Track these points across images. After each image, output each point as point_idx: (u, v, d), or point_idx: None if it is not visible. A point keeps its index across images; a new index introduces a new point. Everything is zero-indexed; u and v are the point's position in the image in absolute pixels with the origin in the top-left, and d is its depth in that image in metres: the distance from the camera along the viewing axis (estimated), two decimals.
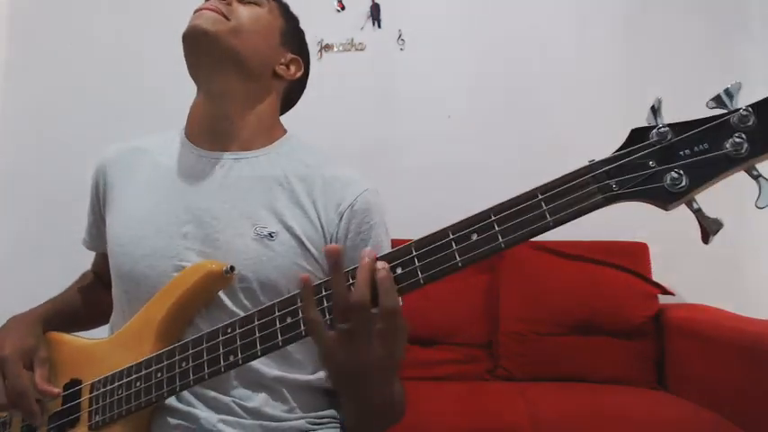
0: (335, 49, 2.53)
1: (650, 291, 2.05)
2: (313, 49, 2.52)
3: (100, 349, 0.86)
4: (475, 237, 0.59)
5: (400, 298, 0.64)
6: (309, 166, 0.89)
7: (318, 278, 0.79)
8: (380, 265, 0.62)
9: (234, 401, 0.80)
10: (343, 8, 2.54)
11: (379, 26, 2.54)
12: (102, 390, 0.80)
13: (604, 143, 2.29)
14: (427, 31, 2.53)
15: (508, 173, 2.43)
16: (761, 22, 2.42)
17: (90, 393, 0.82)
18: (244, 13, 0.89)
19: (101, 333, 0.92)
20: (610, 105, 2.46)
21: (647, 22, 2.47)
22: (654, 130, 0.54)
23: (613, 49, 2.49)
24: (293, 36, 0.98)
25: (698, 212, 0.53)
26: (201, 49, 0.87)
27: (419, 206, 2.11)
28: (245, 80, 0.89)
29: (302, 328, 0.66)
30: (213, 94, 0.89)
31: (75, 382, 0.84)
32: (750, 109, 0.52)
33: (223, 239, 0.83)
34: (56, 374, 0.86)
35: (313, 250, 0.84)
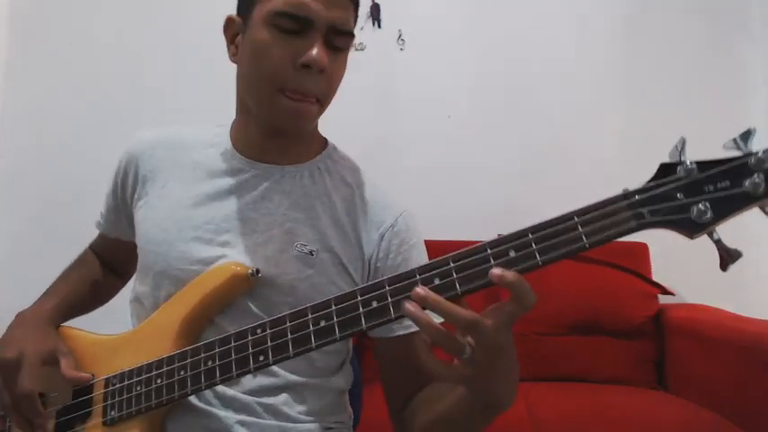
0: None
1: (650, 291, 2.05)
2: None
3: (115, 345, 0.85)
4: (512, 254, 0.62)
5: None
6: (350, 185, 0.89)
7: None
8: (421, 291, 0.62)
9: (254, 401, 0.80)
10: None
11: (379, 26, 2.54)
12: (119, 385, 0.79)
13: (604, 143, 2.31)
14: (427, 31, 2.53)
15: (508, 173, 2.44)
16: (761, 22, 2.42)
17: (105, 388, 0.81)
18: (336, 78, 0.83)
19: (105, 327, 0.91)
20: (610, 105, 2.47)
21: (647, 22, 2.47)
22: (681, 166, 0.59)
23: (613, 49, 2.49)
24: None
25: (718, 242, 0.59)
26: (295, 134, 0.86)
27: (419, 206, 2.10)
28: None
29: (337, 333, 0.66)
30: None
31: None
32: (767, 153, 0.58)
33: (262, 253, 0.82)
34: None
35: (351, 270, 0.84)
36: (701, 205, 0.57)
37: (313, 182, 0.87)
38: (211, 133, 0.94)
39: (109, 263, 1.05)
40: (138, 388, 0.77)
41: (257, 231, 0.83)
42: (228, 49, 0.86)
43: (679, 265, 2.21)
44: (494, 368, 0.64)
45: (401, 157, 2.47)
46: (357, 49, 2.54)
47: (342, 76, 0.84)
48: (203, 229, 0.84)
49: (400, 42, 2.53)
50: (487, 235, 2.53)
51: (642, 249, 2.18)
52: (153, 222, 0.87)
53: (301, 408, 0.83)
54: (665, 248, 2.17)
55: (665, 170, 0.60)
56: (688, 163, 0.59)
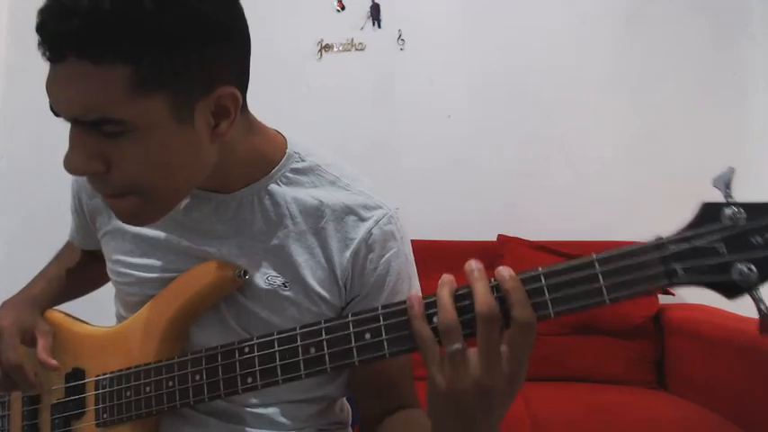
0: (335, 49, 2.53)
1: None
2: (313, 49, 2.55)
3: (104, 340, 0.84)
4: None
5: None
6: (319, 199, 0.78)
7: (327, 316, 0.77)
8: (506, 273, 0.56)
9: (246, 411, 0.79)
10: (343, 8, 2.54)
11: (379, 26, 2.54)
12: (109, 389, 0.79)
13: (605, 143, 2.30)
14: (427, 31, 2.53)
15: (508, 173, 2.44)
16: (762, 22, 2.41)
17: (95, 390, 0.81)
18: (130, 165, 0.63)
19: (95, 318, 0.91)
20: (610, 105, 2.47)
21: (648, 22, 2.47)
22: (727, 210, 0.51)
23: (613, 49, 2.49)
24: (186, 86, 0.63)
25: (759, 302, 0.52)
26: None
27: (419, 206, 2.11)
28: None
29: (328, 365, 0.63)
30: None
31: (79, 372, 0.83)
32: None
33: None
34: (59, 360, 0.84)
35: (325, 294, 0.77)
36: (743, 266, 0.50)
37: (272, 203, 0.77)
38: None
39: (93, 252, 1.01)
40: (128, 394, 0.77)
41: None
42: None
43: None
44: (469, 408, 0.56)
45: (401, 157, 2.47)
46: (357, 49, 2.54)
47: (148, 158, 0.63)
48: (169, 268, 0.80)
49: (400, 42, 2.53)
50: (487, 235, 2.55)
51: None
52: (116, 261, 0.84)
53: (295, 416, 0.82)
54: None
55: (708, 213, 0.52)
56: (734, 206, 0.50)
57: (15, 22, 2.62)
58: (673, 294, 2.11)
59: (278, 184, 0.78)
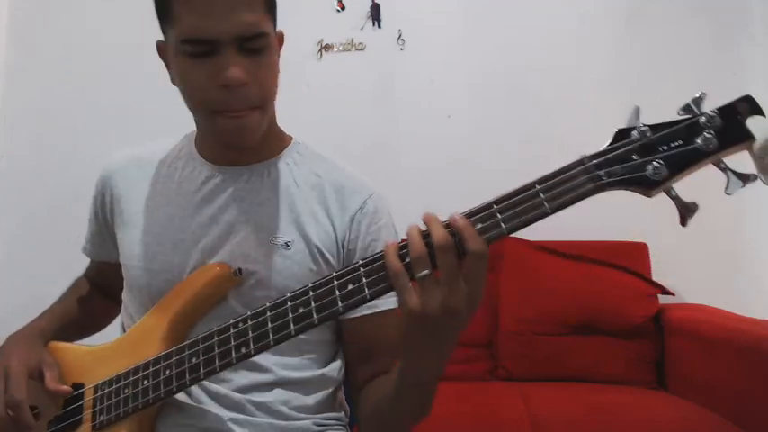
0: (335, 49, 2.53)
1: (650, 291, 2.05)
2: (313, 49, 2.55)
3: (102, 354, 0.86)
4: (479, 225, 0.65)
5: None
6: (319, 175, 0.91)
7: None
8: (456, 215, 0.65)
9: (245, 399, 0.81)
10: (343, 8, 2.54)
11: (379, 26, 2.54)
12: (108, 390, 0.80)
13: (604, 143, 2.29)
14: (427, 31, 2.53)
15: (508, 173, 2.44)
16: (762, 22, 2.42)
17: (94, 395, 0.82)
18: (265, 80, 0.82)
19: (101, 339, 0.92)
20: (610, 105, 2.46)
21: (648, 22, 2.47)
22: (635, 130, 0.62)
23: (614, 48, 2.49)
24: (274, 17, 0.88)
25: (676, 199, 0.61)
26: (248, 146, 0.86)
27: (419, 206, 2.10)
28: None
29: (315, 317, 0.67)
30: None
31: (77, 387, 0.84)
32: (717, 111, 0.62)
33: (239, 252, 0.84)
34: (60, 380, 0.85)
35: (327, 255, 0.86)
36: (655, 163, 0.60)
37: (282, 175, 0.89)
38: (178, 145, 0.96)
39: (102, 287, 1.06)
40: (126, 390, 0.78)
41: (233, 232, 0.85)
42: (169, 73, 0.86)
43: (679, 265, 2.21)
44: (438, 328, 0.64)
45: (401, 156, 2.47)
46: (357, 49, 2.54)
47: (272, 72, 0.83)
48: (181, 239, 0.86)
49: (400, 42, 2.54)
50: None
51: (642, 249, 2.18)
52: (133, 239, 0.89)
53: (295, 405, 0.83)
54: (665, 248, 2.17)
55: (621, 135, 0.63)
56: (642, 126, 0.62)
57: (15, 22, 2.62)
58: (672, 294, 2.11)
59: (286, 163, 0.91)
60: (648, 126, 0.61)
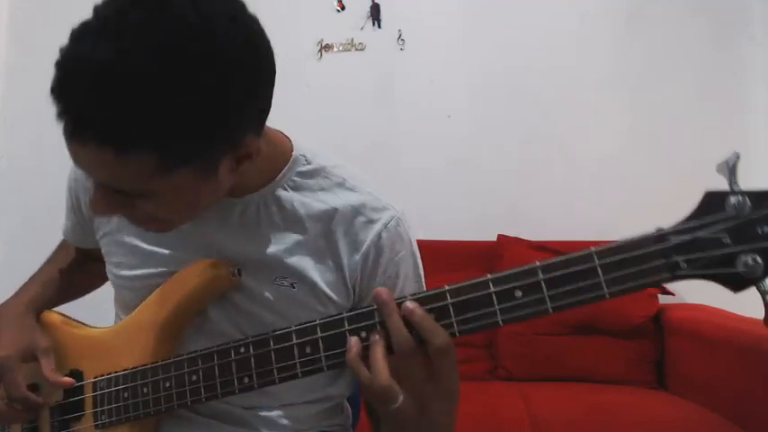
0: (335, 49, 2.53)
1: (650, 291, 2.05)
2: (313, 49, 2.55)
3: (101, 341, 0.84)
4: (519, 294, 0.54)
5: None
6: (325, 202, 0.78)
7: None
8: (411, 305, 0.58)
9: (250, 414, 0.80)
10: (343, 8, 2.54)
11: (379, 26, 2.54)
12: (107, 390, 0.79)
13: (605, 143, 2.29)
14: (427, 31, 2.53)
15: (508, 173, 2.44)
16: (762, 22, 2.41)
17: (93, 391, 0.81)
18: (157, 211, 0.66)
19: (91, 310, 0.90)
20: (610, 105, 2.47)
21: (648, 22, 2.47)
22: (731, 199, 0.48)
23: (613, 49, 2.49)
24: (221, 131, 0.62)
25: (767, 295, 0.49)
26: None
27: (419, 206, 2.10)
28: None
29: (324, 364, 0.64)
30: None
31: (76, 374, 0.83)
32: None
33: (246, 284, 0.77)
34: (56, 362, 0.84)
35: (333, 296, 0.77)
36: (749, 258, 0.47)
37: (279, 208, 0.77)
38: None
39: (90, 253, 0.99)
40: (126, 395, 0.77)
41: (239, 262, 0.77)
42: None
43: None
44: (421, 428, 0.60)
45: (401, 157, 2.47)
46: (357, 49, 2.54)
47: (169, 208, 0.66)
48: (176, 266, 0.79)
49: (400, 42, 2.53)
50: (487, 235, 2.54)
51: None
52: (121, 254, 0.83)
53: (297, 418, 0.82)
54: None
55: (711, 202, 0.49)
56: (738, 191, 0.48)
57: (15, 22, 2.62)
58: (672, 294, 2.11)
59: (285, 189, 0.77)
60: (746, 193, 0.48)
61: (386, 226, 0.78)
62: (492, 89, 2.49)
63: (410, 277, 0.80)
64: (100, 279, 0.95)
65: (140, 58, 0.54)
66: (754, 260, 0.47)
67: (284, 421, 0.81)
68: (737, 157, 0.49)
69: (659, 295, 2.06)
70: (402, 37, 2.53)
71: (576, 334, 2.00)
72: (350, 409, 0.94)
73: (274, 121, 0.85)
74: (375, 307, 0.61)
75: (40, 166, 2.52)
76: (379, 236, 0.77)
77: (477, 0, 2.54)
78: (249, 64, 0.61)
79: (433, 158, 2.45)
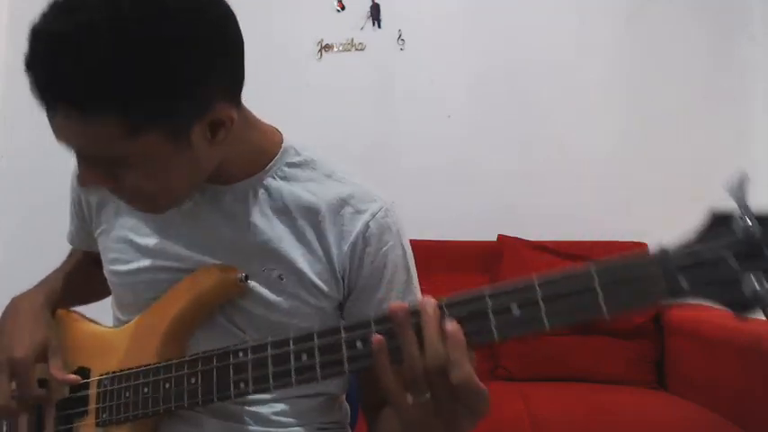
0: (335, 49, 2.53)
1: None
2: (313, 49, 2.55)
3: (108, 340, 0.85)
4: (515, 310, 0.53)
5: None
6: (313, 192, 0.78)
7: (327, 313, 0.79)
8: (451, 326, 0.56)
9: (244, 410, 0.80)
10: (343, 8, 2.54)
11: (379, 26, 2.54)
12: (110, 387, 0.80)
13: (605, 143, 2.30)
14: (427, 31, 2.53)
15: (508, 173, 2.44)
16: (762, 22, 2.42)
17: (97, 388, 0.82)
18: (136, 185, 0.68)
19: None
20: (610, 105, 2.47)
21: (648, 22, 2.47)
22: (738, 220, 0.46)
23: (614, 48, 2.49)
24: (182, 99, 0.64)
25: None
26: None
27: (419, 206, 2.11)
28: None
29: (318, 373, 0.63)
30: None
31: (83, 371, 0.84)
32: None
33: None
34: (65, 359, 0.85)
35: (322, 286, 0.78)
36: (755, 282, 0.45)
37: (268, 196, 0.78)
38: None
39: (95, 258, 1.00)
40: (127, 394, 0.78)
41: (227, 254, 0.78)
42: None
43: None
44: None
45: (401, 157, 2.47)
46: (357, 49, 2.54)
47: (146, 178, 0.67)
48: (172, 255, 0.80)
49: (400, 42, 2.54)
50: (487, 235, 2.54)
51: (642, 249, 2.18)
52: (116, 252, 0.84)
53: (294, 413, 0.82)
54: None
55: (717, 224, 0.48)
56: (747, 218, 0.46)
57: (15, 22, 2.62)
58: None
59: (274, 178, 0.79)
60: (756, 217, 0.46)
61: (374, 216, 0.78)
62: (492, 89, 2.49)
63: (399, 268, 0.80)
64: (105, 286, 0.97)
65: (96, 24, 0.58)
66: (761, 284, 0.46)
67: (281, 417, 0.81)
68: (746, 176, 0.47)
69: None
70: (402, 37, 2.53)
71: (576, 334, 2.00)
72: (348, 407, 0.94)
73: (275, 120, 0.85)
74: (371, 318, 0.61)
75: (40, 166, 2.52)
76: (366, 226, 0.78)
77: (477, 0, 2.54)
78: (207, 21, 0.63)
79: (432, 158, 2.45)
